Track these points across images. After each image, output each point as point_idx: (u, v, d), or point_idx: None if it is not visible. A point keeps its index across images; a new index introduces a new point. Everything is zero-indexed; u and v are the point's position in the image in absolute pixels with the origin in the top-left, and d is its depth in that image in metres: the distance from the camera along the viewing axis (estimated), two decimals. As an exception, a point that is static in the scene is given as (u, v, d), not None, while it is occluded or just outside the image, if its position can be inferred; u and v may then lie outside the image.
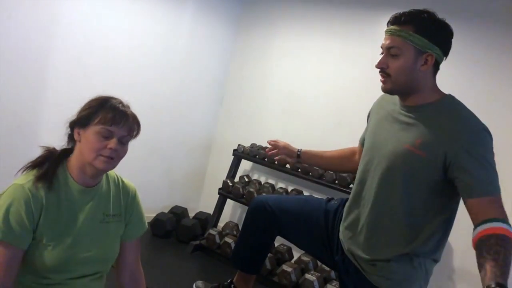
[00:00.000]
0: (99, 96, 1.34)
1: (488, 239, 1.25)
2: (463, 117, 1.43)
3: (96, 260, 1.36)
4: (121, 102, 1.34)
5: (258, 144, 3.53)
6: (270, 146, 2.04)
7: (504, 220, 1.29)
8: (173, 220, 3.40)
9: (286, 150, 2.00)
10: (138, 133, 1.35)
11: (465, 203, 1.38)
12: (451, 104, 1.48)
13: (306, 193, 3.24)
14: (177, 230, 3.36)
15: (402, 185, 1.49)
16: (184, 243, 3.27)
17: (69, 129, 1.34)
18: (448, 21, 1.49)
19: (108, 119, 1.27)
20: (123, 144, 1.31)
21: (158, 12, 3.24)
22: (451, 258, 2.71)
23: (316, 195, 3.15)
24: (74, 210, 1.31)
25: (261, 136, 3.61)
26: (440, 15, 1.49)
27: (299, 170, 3.10)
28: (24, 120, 2.68)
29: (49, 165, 1.29)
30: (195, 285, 2.31)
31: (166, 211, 3.57)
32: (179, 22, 3.40)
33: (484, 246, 1.24)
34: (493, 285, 1.12)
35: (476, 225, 1.32)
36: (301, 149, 2.00)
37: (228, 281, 2.14)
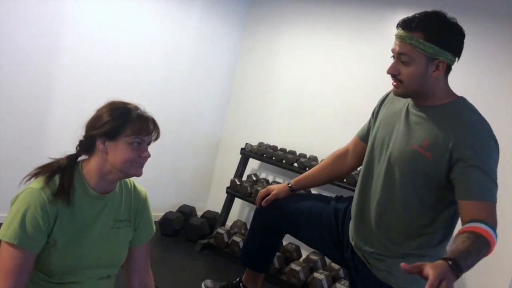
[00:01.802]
0: (116, 104, 1.33)
1: (466, 232, 1.27)
2: (471, 122, 1.42)
3: (104, 265, 1.37)
4: (142, 109, 1.34)
5: (265, 142, 3.52)
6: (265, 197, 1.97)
7: (489, 223, 1.29)
8: (181, 219, 3.41)
9: (277, 192, 1.96)
10: (159, 136, 1.38)
11: (459, 204, 1.38)
12: (462, 107, 1.48)
13: (313, 191, 3.23)
14: (185, 229, 3.37)
15: (408, 183, 1.50)
16: (192, 242, 3.28)
17: (86, 139, 1.32)
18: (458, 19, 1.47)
19: (141, 129, 1.29)
20: (147, 147, 1.35)
21: (165, 12, 3.24)
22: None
23: (324, 194, 3.14)
24: (87, 217, 1.31)
25: (268, 135, 3.60)
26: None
27: (307, 169, 3.09)
28: (33, 119, 2.70)
29: (63, 178, 1.27)
30: (204, 284, 2.31)
31: (174, 210, 3.58)
32: (186, 21, 3.41)
33: (460, 236, 1.26)
34: (449, 260, 1.12)
35: (463, 224, 1.33)
36: (289, 182, 1.98)
37: (237, 279, 2.14)
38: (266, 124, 3.68)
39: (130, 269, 1.47)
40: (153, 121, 1.34)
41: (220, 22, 3.67)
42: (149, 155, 1.33)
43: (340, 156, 1.92)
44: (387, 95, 1.74)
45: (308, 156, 3.25)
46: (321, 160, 3.11)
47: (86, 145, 1.32)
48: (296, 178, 2.01)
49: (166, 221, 3.34)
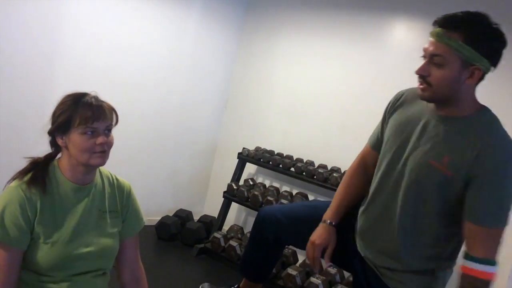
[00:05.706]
0: (67, 97, 1.34)
1: (468, 278, 1.33)
2: (494, 139, 1.34)
3: (95, 256, 1.36)
4: (90, 96, 1.33)
5: (262, 147, 3.53)
6: None
7: (490, 260, 1.32)
8: (178, 224, 3.40)
9: (324, 244, 1.65)
10: (118, 119, 1.36)
11: (463, 222, 1.36)
12: (486, 120, 1.38)
13: (311, 197, 3.24)
14: (182, 234, 3.36)
15: (425, 198, 1.43)
16: (189, 247, 3.27)
17: (50, 137, 1.35)
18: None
19: (88, 118, 1.27)
20: (108, 133, 1.33)
21: (163, 17, 3.25)
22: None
23: (321, 198, 3.14)
24: (69, 208, 1.33)
25: (265, 139, 3.61)
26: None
27: (304, 173, 3.10)
28: (30, 122, 2.69)
29: (36, 170, 1.30)
30: (202, 287, 2.30)
31: (171, 214, 3.58)
32: (184, 27, 3.42)
33: (462, 282, 1.35)
34: None
35: (466, 254, 1.36)
36: (326, 219, 1.68)
37: (235, 286, 2.12)
38: (263, 128, 3.69)
39: (120, 263, 1.48)
40: (101, 107, 1.31)
41: (217, 27, 3.68)
42: (104, 141, 1.29)
43: (362, 170, 1.74)
44: (400, 97, 1.59)
45: (305, 161, 3.26)
46: (329, 170, 3.13)
47: (53, 143, 1.35)
48: (330, 212, 1.70)
49: (163, 226, 3.33)
